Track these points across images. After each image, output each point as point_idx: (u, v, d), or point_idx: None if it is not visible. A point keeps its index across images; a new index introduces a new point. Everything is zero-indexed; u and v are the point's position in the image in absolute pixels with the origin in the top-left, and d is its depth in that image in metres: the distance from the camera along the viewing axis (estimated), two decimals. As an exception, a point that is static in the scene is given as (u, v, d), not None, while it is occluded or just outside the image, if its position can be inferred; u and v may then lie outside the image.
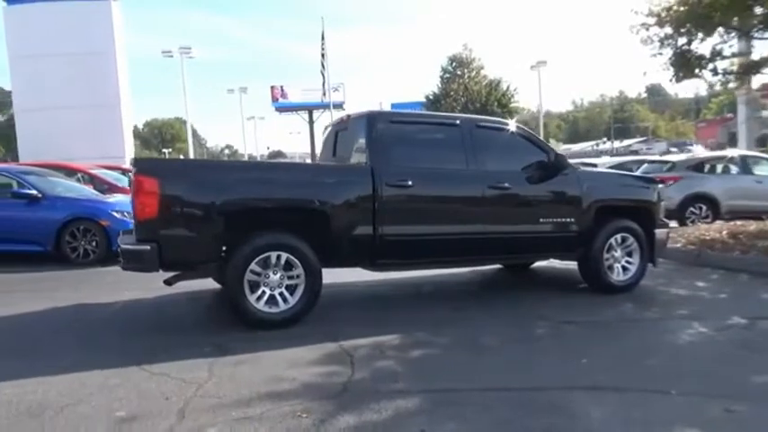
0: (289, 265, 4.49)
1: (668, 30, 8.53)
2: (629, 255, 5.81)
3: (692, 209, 10.42)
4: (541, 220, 5.42)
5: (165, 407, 3.02)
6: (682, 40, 8.61)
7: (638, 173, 9.76)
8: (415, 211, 4.98)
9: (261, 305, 4.43)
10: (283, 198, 4.57)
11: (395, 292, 5.94)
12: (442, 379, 3.43)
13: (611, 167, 11.61)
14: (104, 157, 15.07)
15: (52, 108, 14.92)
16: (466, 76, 35.06)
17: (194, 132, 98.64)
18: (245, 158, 42.72)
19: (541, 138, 7.08)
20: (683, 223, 10.03)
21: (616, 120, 71.79)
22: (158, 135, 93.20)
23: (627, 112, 79.90)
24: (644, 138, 62.21)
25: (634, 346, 4.06)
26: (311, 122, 47.65)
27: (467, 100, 33.71)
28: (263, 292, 4.45)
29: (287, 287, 4.52)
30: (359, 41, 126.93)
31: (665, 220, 6.25)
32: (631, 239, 5.77)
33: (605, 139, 63.96)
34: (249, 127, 55.76)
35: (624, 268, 5.80)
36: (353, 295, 5.84)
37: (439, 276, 6.31)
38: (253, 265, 4.36)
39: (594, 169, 7.53)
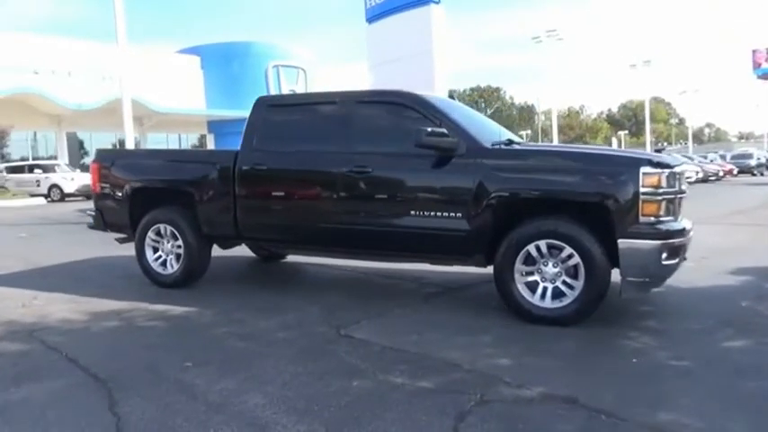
0: (176, 236, 5.33)
1: None
2: (573, 273, 3.94)
3: None
4: (413, 212, 4.33)
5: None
6: None
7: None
8: (270, 195, 4.90)
9: (156, 266, 5.43)
10: (163, 180, 5.40)
11: (337, 279, 5.76)
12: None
13: None
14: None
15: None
16: None
17: (671, 111, 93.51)
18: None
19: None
20: None
21: None
22: (632, 117, 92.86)
23: None
24: None
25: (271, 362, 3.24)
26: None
27: None
28: (160, 256, 5.45)
29: (176, 255, 5.37)
30: None
31: (661, 225, 3.79)
32: (569, 251, 3.89)
33: None
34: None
35: (558, 291, 3.98)
36: (308, 276, 6.00)
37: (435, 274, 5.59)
38: (150, 233, 5.42)
39: (527, 147, 4.79)
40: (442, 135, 4.17)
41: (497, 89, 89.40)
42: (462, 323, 4.12)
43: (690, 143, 63.57)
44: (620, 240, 3.77)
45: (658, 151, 49.32)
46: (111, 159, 5.77)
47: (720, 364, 3.21)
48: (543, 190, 4.03)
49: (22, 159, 25.46)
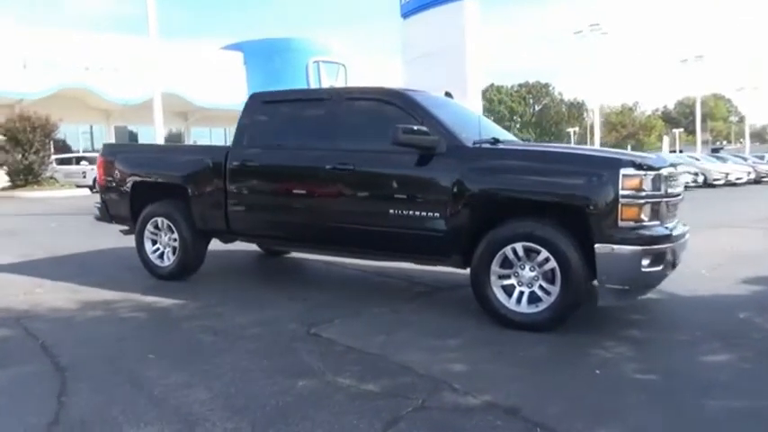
0: (172, 230, 5.44)
1: None
2: (551, 278, 3.80)
3: None
4: (392, 211, 4.27)
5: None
6: None
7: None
8: (258, 191, 4.94)
9: (154, 258, 5.56)
10: (160, 174, 5.50)
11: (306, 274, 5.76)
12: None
13: None
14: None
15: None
16: None
17: (732, 109, 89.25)
18: None
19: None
20: None
21: None
22: (689, 114, 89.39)
23: None
24: None
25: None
26: None
27: None
28: (158, 249, 5.57)
29: (172, 248, 5.48)
30: None
31: (643, 230, 3.60)
32: (545, 255, 3.76)
33: None
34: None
35: (534, 296, 3.85)
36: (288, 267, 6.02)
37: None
38: (149, 226, 5.55)
39: (508, 147, 4.50)
40: (421, 133, 4.09)
41: (546, 85, 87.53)
42: (436, 325, 4.04)
43: (747, 142, 60.40)
44: (597, 245, 3.61)
45: (716, 150, 47.12)
46: (115, 153, 5.93)
47: (689, 380, 3.03)
48: (518, 191, 3.90)
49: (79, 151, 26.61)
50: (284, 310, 4.42)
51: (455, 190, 4.01)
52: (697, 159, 24.70)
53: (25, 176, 19.96)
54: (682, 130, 75.89)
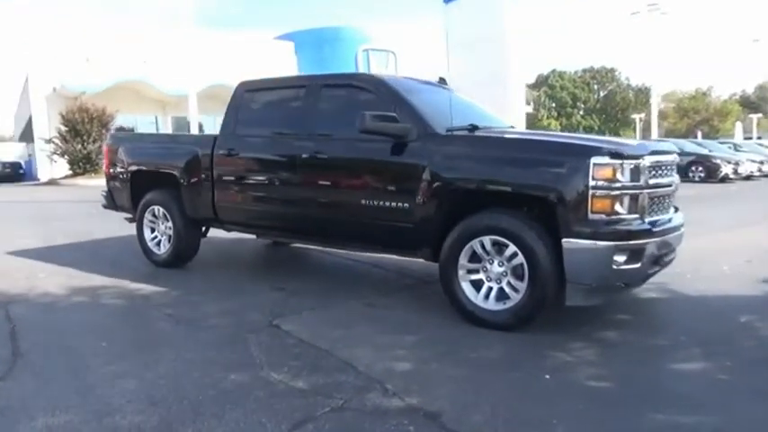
0: (167, 218, 5.52)
1: None
2: (520, 274, 3.57)
3: None
4: (363, 201, 4.12)
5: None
6: None
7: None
8: (238, 179, 4.91)
9: (152, 246, 5.66)
10: (154, 163, 5.56)
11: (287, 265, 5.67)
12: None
13: None
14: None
15: (471, 86, 17.70)
16: None
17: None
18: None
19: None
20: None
21: None
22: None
23: None
24: None
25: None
26: None
27: None
28: (155, 237, 5.67)
29: (168, 236, 5.56)
30: None
31: (617, 224, 3.30)
32: (513, 249, 3.53)
33: None
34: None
35: (503, 293, 3.63)
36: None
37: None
38: (147, 214, 5.65)
39: (481, 134, 4.08)
40: (390, 120, 3.92)
41: (611, 70, 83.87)
42: (403, 320, 3.89)
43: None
44: (564, 240, 3.35)
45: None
46: (118, 142, 6.07)
47: (645, 390, 2.75)
48: (484, 180, 3.67)
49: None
50: (257, 300, 4.38)
51: (424, 179, 3.83)
52: (765, 147, 22.97)
53: (84, 165, 21.01)
54: (761, 115, 70.90)
